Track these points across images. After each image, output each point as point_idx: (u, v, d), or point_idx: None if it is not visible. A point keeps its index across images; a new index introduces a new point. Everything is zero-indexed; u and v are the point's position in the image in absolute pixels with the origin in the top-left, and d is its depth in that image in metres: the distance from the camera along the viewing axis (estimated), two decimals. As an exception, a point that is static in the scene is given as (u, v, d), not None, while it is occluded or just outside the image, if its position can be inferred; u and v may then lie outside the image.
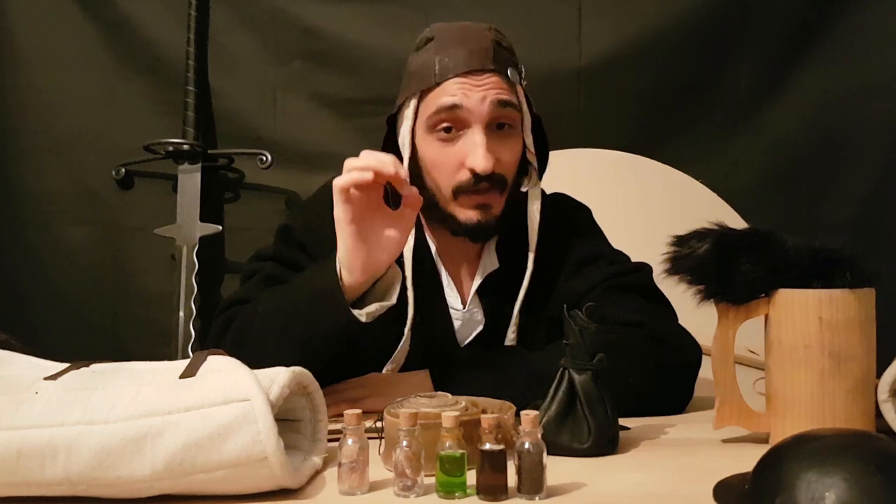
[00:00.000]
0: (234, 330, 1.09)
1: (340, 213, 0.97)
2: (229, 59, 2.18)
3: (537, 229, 1.18)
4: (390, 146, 1.18)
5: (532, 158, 1.18)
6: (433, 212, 1.16)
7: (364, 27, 2.12)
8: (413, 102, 1.14)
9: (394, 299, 1.00)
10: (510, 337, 1.19)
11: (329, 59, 2.14)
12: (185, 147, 2.09)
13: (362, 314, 0.97)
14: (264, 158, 2.07)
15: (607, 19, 2.08)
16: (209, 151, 2.14)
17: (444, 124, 1.11)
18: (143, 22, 2.16)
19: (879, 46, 2.05)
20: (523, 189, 1.20)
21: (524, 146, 1.17)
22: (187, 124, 2.11)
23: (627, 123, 2.08)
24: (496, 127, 1.12)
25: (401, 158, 1.14)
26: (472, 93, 1.10)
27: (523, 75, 1.16)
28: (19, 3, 2.17)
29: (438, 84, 1.11)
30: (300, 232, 1.20)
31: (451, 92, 1.10)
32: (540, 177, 1.22)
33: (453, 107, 1.10)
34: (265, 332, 1.04)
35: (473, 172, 1.10)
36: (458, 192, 1.12)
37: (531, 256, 1.18)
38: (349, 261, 0.98)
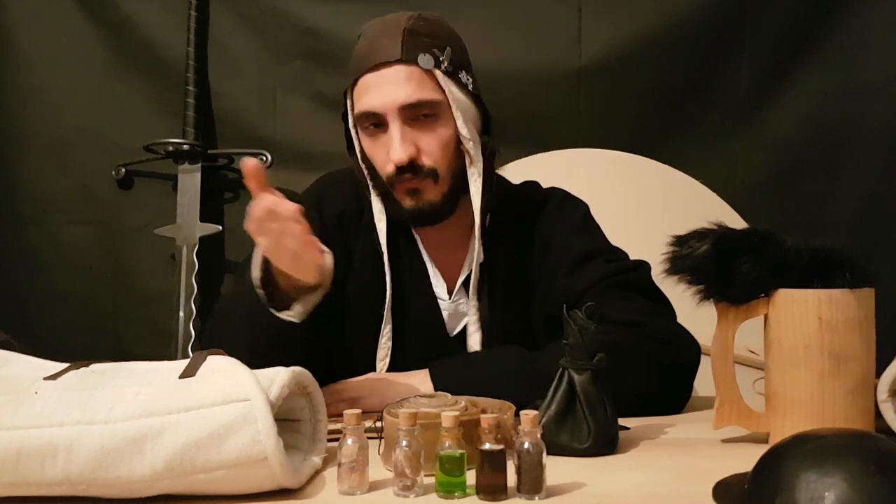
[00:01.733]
0: (208, 329, 1.11)
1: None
2: (229, 59, 2.18)
3: (479, 213, 1.16)
4: (349, 141, 1.22)
5: (465, 142, 1.15)
6: (388, 199, 1.18)
7: (364, 27, 2.12)
8: (349, 101, 1.18)
9: (320, 295, 1.01)
10: (471, 330, 1.18)
11: (329, 59, 2.13)
12: (185, 147, 2.09)
13: (293, 315, 0.99)
14: (264, 158, 2.07)
15: (607, 19, 2.08)
16: (209, 151, 2.14)
17: (370, 122, 1.14)
18: (143, 22, 2.16)
19: (879, 46, 2.05)
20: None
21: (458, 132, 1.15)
22: (187, 124, 2.11)
23: (627, 123, 2.08)
24: (422, 116, 1.13)
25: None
26: (382, 92, 1.11)
27: (444, 57, 1.13)
28: (19, 3, 2.17)
29: (356, 81, 1.14)
30: None
31: (365, 92, 1.12)
32: (488, 155, 1.18)
33: (368, 112, 1.12)
34: (223, 329, 1.08)
35: (395, 164, 1.12)
36: (391, 182, 1.14)
37: (477, 237, 1.16)
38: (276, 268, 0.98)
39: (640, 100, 2.08)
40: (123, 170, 2.16)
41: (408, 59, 1.11)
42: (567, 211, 1.27)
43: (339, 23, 2.13)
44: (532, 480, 0.69)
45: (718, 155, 2.07)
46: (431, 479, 0.72)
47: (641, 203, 1.96)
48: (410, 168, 1.11)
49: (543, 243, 1.21)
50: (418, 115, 1.12)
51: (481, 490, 0.70)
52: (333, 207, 1.24)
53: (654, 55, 2.07)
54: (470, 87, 1.17)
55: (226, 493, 0.71)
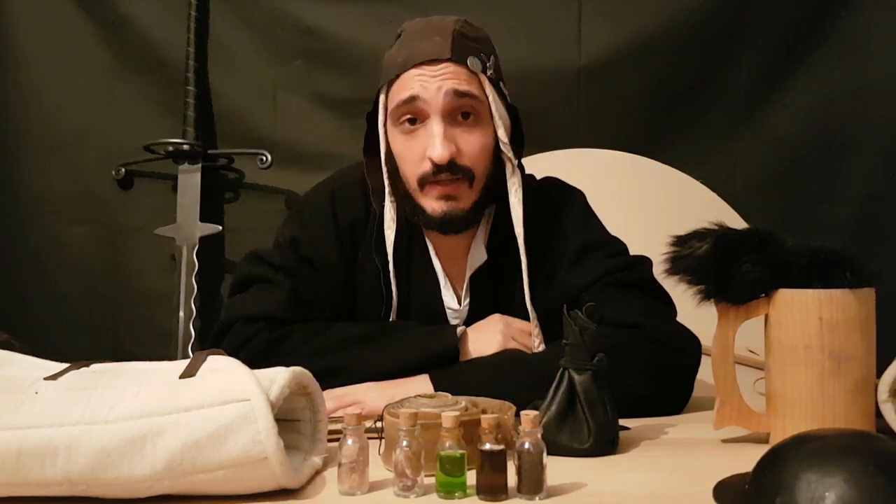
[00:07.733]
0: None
1: None
2: (229, 59, 2.17)
3: (522, 222, 1.15)
4: (369, 143, 1.20)
5: (507, 149, 1.16)
6: (408, 204, 1.16)
7: (364, 27, 2.11)
8: (382, 97, 1.16)
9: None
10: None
11: (329, 59, 2.13)
12: (185, 147, 2.08)
13: None
14: (264, 158, 2.07)
15: (607, 20, 2.08)
16: (209, 151, 2.14)
17: (407, 116, 1.12)
18: (143, 22, 2.16)
19: (879, 47, 2.05)
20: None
21: (497, 138, 1.15)
22: (187, 124, 2.11)
23: (627, 123, 2.08)
24: (461, 117, 1.12)
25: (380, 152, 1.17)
26: (428, 83, 1.10)
27: (490, 64, 1.14)
28: (19, 3, 2.17)
29: (398, 76, 1.12)
30: (306, 246, 1.20)
31: (409, 84, 1.11)
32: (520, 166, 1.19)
33: (410, 99, 1.11)
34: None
35: (433, 162, 1.10)
36: (423, 182, 1.12)
37: (522, 251, 1.15)
38: None
39: (640, 100, 2.08)
40: (123, 170, 2.16)
41: (457, 59, 1.11)
42: (563, 201, 1.26)
43: (339, 23, 2.13)
44: (532, 481, 0.69)
45: (718, 155, 2.07)
46: (432, 480, 0.72)
47: (641, 203, 1.96)
48: (448, 167, 1.10)
49: (540, 234, 1.20)
50: (459, 113, 1.12)
51: (482, 490, 0.70)
52: (347, 214, 1.22)
53: (654, 55, 2.06)
54: (507, 99, 1.17)
55: (226, 493, 0.71)
